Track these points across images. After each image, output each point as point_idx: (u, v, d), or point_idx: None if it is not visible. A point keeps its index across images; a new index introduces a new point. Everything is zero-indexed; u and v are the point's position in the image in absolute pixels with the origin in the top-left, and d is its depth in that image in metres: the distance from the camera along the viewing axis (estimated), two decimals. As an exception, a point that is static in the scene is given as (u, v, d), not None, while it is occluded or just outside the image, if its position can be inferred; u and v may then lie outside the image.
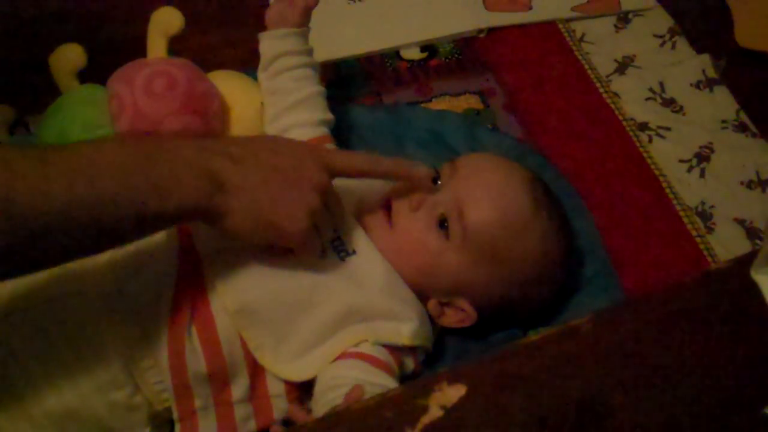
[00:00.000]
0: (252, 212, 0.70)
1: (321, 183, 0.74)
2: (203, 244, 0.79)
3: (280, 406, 0.78)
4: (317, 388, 0.76)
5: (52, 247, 0.62)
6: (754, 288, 0.58)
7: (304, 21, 0.95)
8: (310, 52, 0.96)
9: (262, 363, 0.76)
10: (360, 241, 0.80)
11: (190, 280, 0.77)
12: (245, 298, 0.76)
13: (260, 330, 0.76)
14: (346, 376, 0.74)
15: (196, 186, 0.66)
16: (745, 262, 0.60)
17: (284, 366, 0.76)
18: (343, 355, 0.76)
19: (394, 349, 0.78)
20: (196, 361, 0.74)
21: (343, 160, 0.78)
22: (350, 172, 0.78)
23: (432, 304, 0.82)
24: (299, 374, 0.76)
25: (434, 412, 0.52)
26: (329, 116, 0.95)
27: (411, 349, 0.79)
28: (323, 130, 0.94)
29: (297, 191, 0.72)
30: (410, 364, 0.80)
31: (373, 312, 0.77)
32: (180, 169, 0.66)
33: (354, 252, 0.79)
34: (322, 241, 0.77)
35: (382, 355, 0.77)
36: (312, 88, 0.94)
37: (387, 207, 0.84)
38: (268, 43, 0.94)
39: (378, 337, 0.77)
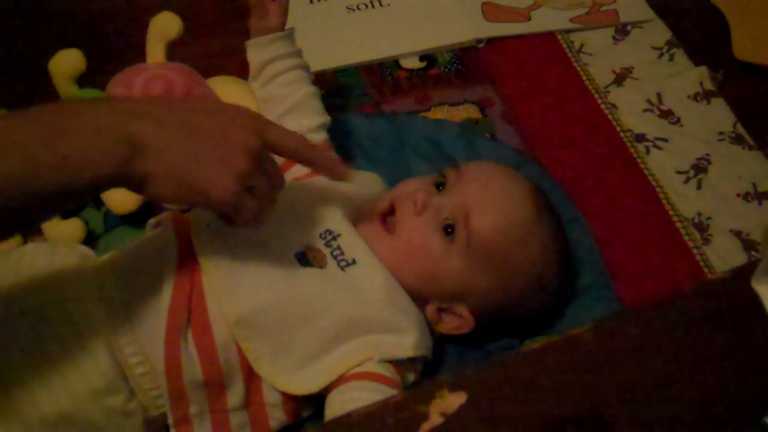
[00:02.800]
0: (173, 176, 0.64)
1: (251, 145, 0.67)
2: (202, 249, 0.78)
3: (275, 415, 0.77)
4: (328, 413, 0.75)
5: None
6: (753, 298, 0.58)
7: (282, 21, 0.93)
8: (298, 53, 0.95)
9: (261, 374, 0.75)
10: (359, 249, 0.80)
11: (187, 286, 0.76)
12: (244, 309, 0.75)
13: (259, 341, 0.75)
14: (357, 399, 0.73)
15: (110, 152, 0.61)
16: (743, 273, 0.60)
17: (284, 378, 0.75)
18: (350, 378, 0.75)
19: (397, 364, 0.77)
20: (192, 367, 0.74)
21: (279, 134, 0.71)
22: (281, 149, 0.72)
23: (430, 309, 0.82)
24: (299, 387, 0.75)
25: (435, 419, 0.52)
26: (324, 118, 0.95)
27: (411, 361, 0.79)
28: (321, 136, 0.94)
29: (223, 152, 0.66)
30: (410, 376, 0.79)
31: (374, 324, 0.77)
32: (93, 137, 0.61)
33: (354, 261, 0.79)
34: (260, 210, 0.71)
35: (388, 371, 0.76)
36: (304, 90, 0.94)
37: (387, 212, 0.84)
38: (255, 51, 0.94)
39: (383, 353, 0.76)
